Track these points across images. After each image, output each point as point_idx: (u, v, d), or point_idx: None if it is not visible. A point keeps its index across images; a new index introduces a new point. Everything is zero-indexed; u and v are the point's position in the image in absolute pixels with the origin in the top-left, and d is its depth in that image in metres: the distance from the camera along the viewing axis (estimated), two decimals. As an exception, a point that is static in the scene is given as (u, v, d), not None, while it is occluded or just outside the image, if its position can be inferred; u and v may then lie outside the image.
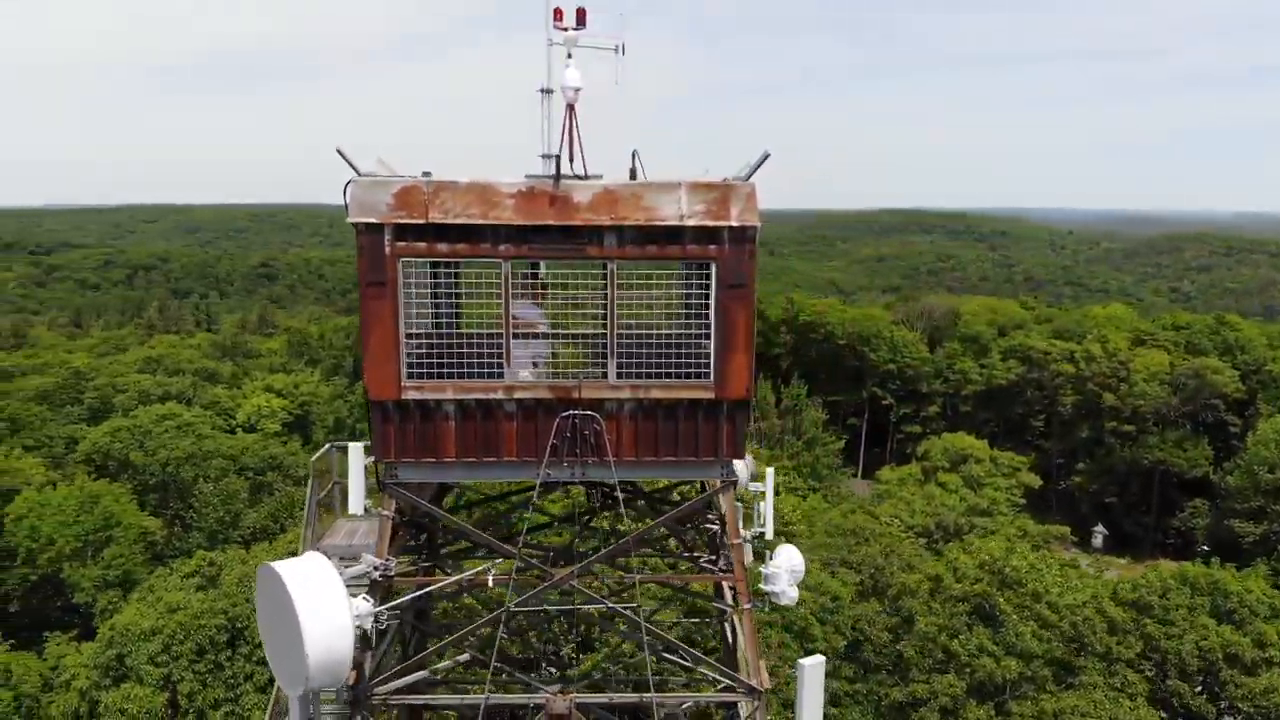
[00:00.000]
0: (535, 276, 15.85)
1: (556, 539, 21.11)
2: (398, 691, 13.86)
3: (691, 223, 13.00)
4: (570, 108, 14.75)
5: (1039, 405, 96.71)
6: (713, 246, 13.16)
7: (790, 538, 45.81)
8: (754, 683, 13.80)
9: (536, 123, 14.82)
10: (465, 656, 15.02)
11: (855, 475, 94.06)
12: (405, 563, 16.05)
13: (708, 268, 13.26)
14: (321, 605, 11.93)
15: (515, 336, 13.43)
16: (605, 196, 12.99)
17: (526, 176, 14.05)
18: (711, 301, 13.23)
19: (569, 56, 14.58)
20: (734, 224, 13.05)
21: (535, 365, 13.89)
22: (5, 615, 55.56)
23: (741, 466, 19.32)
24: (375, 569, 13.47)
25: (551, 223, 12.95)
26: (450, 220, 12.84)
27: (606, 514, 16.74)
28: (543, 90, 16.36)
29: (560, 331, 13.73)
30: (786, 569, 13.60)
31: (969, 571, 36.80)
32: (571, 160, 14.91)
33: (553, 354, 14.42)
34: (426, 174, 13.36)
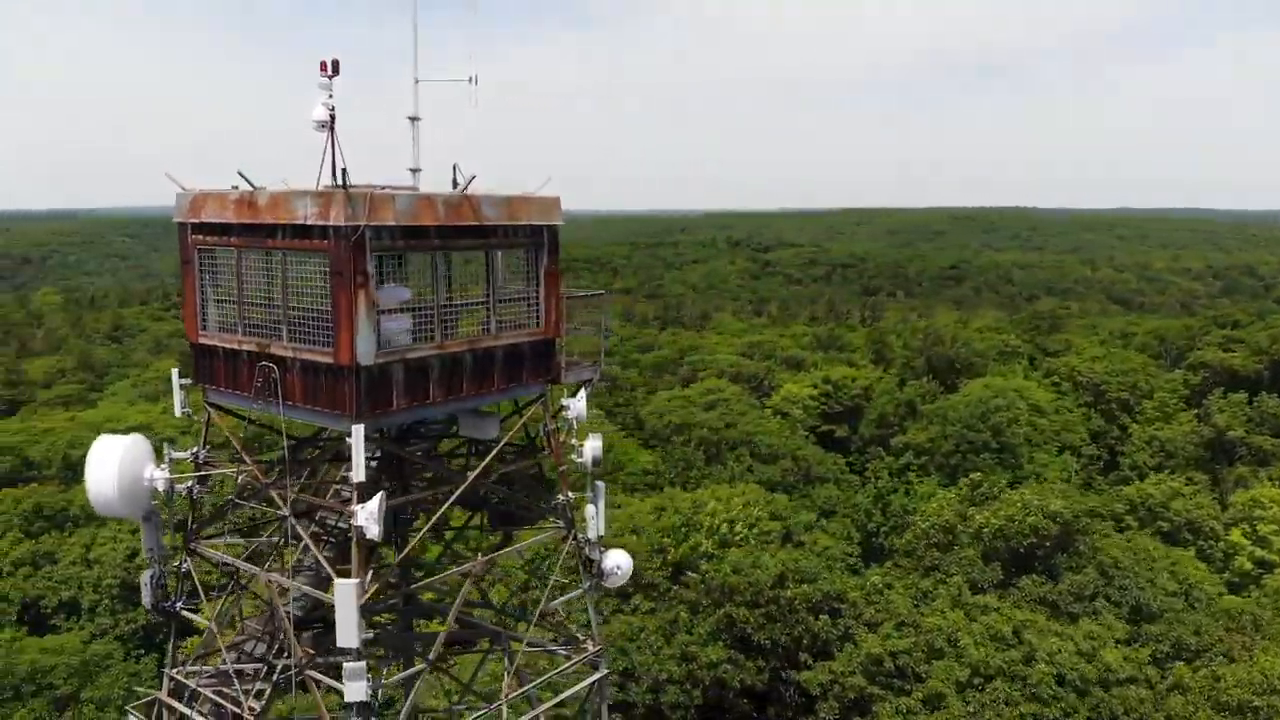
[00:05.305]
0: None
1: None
2: (214, 549, 20.07)
3: (310, 222, 16.73)
4: (330, 132, 18.94)
5: None
6: (325, 241, 16.68)
7: (1143, 612, 38.41)
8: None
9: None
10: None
11: None
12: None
13: (325, 258, 16.82)
14: (102, 463, 18.85)
15: (384, 312, 18.38)
16: (272, 201, 17.37)
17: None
18: (328, 287, 16.80)
19: (330, 96, 18.86)
20: (334, 224, 16.42)
21: (407, 333, 18.44)
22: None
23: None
24: (192, 456, 19.83)
25: (246, 221, 17.78)
26: (207, 220, 18.50)
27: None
28: (411, 119, 20.79)
29: (261, 304, 18.23)
30: (373, 510, 16.41)
31: None
32: (334, 174, 19.14)
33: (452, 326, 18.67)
34: (235, 187, 19.03)
